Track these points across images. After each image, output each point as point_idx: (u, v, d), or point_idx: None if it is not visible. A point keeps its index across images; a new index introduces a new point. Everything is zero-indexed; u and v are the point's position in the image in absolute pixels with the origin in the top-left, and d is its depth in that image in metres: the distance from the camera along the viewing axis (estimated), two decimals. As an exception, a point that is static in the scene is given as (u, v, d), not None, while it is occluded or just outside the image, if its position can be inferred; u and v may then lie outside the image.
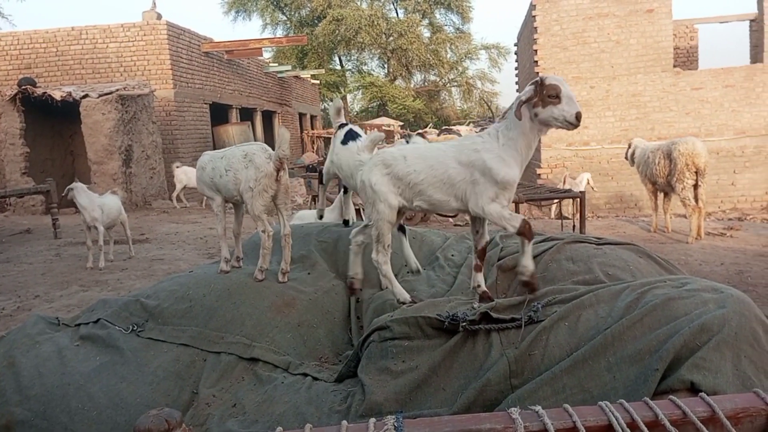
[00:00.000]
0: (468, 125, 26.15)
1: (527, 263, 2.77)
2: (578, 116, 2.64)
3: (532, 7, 13.64)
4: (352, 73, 36.82)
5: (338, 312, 3.30)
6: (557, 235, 3.72)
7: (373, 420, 1.46)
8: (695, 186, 7.36)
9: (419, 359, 2.47)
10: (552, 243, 3.48)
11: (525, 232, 2.76)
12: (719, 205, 11.97)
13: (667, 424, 1.38)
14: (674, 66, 13.52)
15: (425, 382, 2.41)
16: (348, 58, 36.50)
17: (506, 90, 36.19)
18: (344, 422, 1.46)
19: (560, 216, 8.32)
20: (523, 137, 2.74)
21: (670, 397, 1.49)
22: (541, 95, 2.66)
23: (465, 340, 2.48)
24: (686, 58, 17.48)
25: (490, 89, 34.72)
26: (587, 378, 2.24)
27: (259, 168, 3.39)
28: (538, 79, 2.72)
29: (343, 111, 4.10)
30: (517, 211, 8.36)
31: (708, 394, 2.00)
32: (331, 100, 37.09)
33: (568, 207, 9.37)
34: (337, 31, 32.10)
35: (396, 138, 20.26)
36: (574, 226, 6.94)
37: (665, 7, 12.83)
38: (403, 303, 3.04)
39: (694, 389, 2.04)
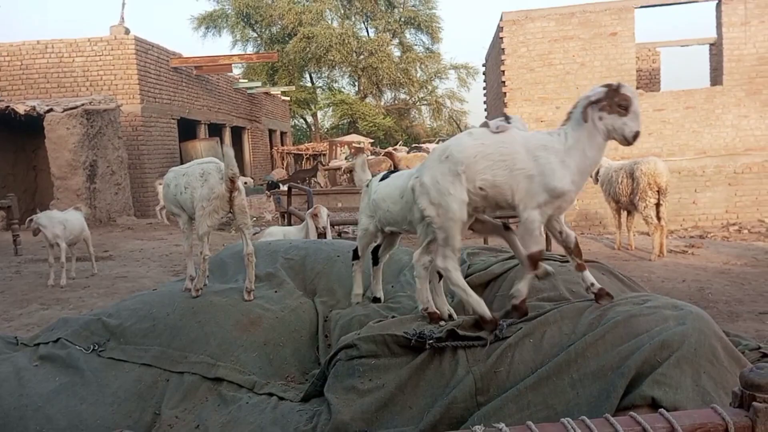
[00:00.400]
0: (437, 143, 26.40)
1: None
2: (636, 135, 2.51)
3: (500, 29, 13.90)
4: (323, 90, 36.92)
5: (305, 330, 3.28)
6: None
7: (337, 440, 1.45)
8: (657, 204, 7.55)
9: (386, 377, 2.46)
10: (516, 261, 3.52)
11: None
12: (681, 223, 12.27)
13: (627, 439, 1.40)
14: (637, 87, 13.89)
15: (392, 401, 2.40)
16: (319, 75, 36.62)
17: (475, 109, 36.79)
18: (308, 442, 1.45)
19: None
20: (590, 139, 2.56)
21: (631, 413, 1.51)
22: (611, 101, 2.51)
23: (432, 357, 2.48)
24: (649, 80, 17.97)
25: (459, 108, 35.17)
26: (551, 395, 2.26)
27: (212, 188, 3.36)
28: (614, 83, 2.55)
29: (367, 165, 3.54)
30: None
31: (668, 410, 2.03)
32: (302, 117, 37.17)
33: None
34: (307, 49, 32.20)
35: (366, 155, 20.30)
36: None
37: (628, 31, 13.20)
38: (484, 319, 2.59)
39: (655, 405, 2.08)
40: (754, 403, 1.47)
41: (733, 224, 11.79)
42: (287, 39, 33.76)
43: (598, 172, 8.56)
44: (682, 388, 2.12)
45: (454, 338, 2.52)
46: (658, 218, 7.55)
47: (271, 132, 27.49)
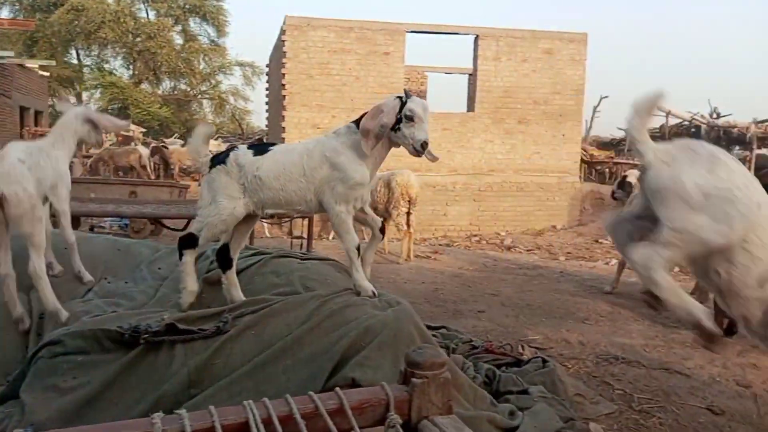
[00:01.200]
0: (217, 140, 25.63)
1: None
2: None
3: (283, 32, 14.02)
4: (91, 69, 33.52)
5: (14, 328, 2.93)
6: (266, 249, 3.83)
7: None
8: (408, 213, 8.27)
9: (93, 374, 2.33)
10: (260, 257, 3.58)
11: None
12: (433, 232, 13.56)
13: (298, 416, 1.51)
14: (406, 106, 14.99)
15: (97, 398, 2.28)
16: (87, 53, 33.19)
17: (259, 109, 36.14)
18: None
19: (290, 234, 8.61)
20: None
21: (309, 393, 1.62)
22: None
23: (147, 352, 2.41)
24: (417, 101, 19.53)
25: (243, 106, 34.50)
26: (264, 381, 2.35)
27: None
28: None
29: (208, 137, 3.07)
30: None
31: (368, 389, 2.24)
32: (60, 97, 33.35)
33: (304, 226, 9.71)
34: (76, 22, 29.04)
35: (134, 144, 18.90)
36: (301, 244, 7.24)
37: (399, 52, 14.24)
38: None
39: (357, 385, 2.28)
40: (413, 379, 1.69)
41: (475, 235, 13.36)
42: (52, 8, 30.07)
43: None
44: (382, 369, 2.36)
45: (174, 332, 2.48)
46: (408, 225, 8.27)
47: (23, 110, 24.09)
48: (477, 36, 14.87)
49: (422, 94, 19.85)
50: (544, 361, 3.92)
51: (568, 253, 11.17)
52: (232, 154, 2.91)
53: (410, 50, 14.52)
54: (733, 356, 4.75)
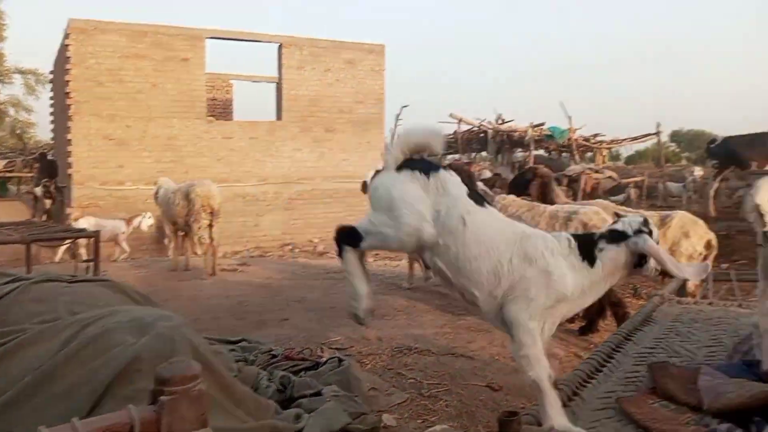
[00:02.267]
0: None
1: None
2: None
3: (66, 35, 12.82)
4: None
5: None
6: (25, 275, 3.45)
7: None
8: (210, 225, 7.96)
9: None
10: (17, 284, 3.20)
11: None
12: (245, 244, 13.27)
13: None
14: (211, 115, 14.55)
15: None
16: None
17: (43, 121, 32.31)
18: None
19: (74, 257, 7.84)
20: None
21: (40, 427, 1.47)
22: None
23: None
24: (223, 109, 19.04)
25: (26, 118, 30.74)
26: (14, 423, 2.11)
27: None
28: None
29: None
30: (27, 254, 7.52)
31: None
32: None
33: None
34: None
35: None
36: (87, 268, 6.62)
37: (199, 59, 13.75)
38: None
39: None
40: (161, 397, 1.61)
41: (287, 244, 13.35)
42: None
43: (157, 193, 8.60)
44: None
45: None
46: (211, 238, 7.97)
47: None
48: (281, 44, 14.90)
49: (228, 103, 19.37)
50: (341, 360, 4.02)
51: (376, 254, 11.62)
52: (442, 171, 2.14)
53: (213, 57, 14.16)
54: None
